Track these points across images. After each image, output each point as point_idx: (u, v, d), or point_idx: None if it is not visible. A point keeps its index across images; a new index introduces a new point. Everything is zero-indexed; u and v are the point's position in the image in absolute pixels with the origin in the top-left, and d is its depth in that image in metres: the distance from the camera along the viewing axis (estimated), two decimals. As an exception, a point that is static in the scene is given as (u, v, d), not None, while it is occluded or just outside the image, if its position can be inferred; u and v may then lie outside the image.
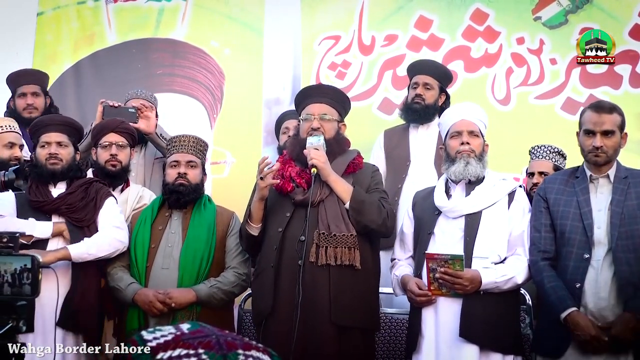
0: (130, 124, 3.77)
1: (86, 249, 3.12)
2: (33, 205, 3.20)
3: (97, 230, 3.22)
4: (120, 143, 3.57)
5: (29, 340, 2.97)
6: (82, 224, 3.20)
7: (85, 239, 3.16)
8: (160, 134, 3.93)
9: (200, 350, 0.98)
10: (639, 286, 2.76)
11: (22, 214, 3.21)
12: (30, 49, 5.36)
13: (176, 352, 0.98)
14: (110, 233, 3.20)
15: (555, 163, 3.77)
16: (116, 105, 3.88)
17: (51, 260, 3.04)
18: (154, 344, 1.01)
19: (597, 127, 2.90)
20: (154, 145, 4.00)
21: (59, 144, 3.26)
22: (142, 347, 1.00)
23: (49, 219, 3.18)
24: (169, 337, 1.01)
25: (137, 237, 3.24)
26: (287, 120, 4.12)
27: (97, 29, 5.36)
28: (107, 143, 3.57)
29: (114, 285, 3.19)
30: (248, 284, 3.35)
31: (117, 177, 3.57)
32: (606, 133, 2.90)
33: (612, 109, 2.96)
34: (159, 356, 0.98)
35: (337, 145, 3.10)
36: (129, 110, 3.86)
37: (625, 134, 2.97)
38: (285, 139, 4.01)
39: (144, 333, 1.03)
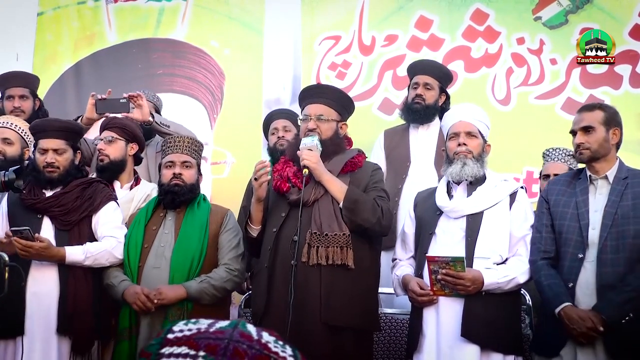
0: (125, 114, 3.76)
1: (82, 260, 3.12)
2: (25, 204, 3.19)
3: (88, 230, 3.21)
4: (109, 137, 3.57)
5: (24, 343, 2.98)
6: (71, 226, 3.19)
7: (86, 248, 3.14)
8: (161, 122, 3.89)
9: (202, 353, 0.97)
10: (616, 287, 2.77)
11: (13, 212, 3.21)
12: (30, 49, 5.36)
13: (178, 350, 0.98)
14: (111, 247, 3.18)
15: (570, 166, 3.76)
16: (105, 97, 3.82)
17: (47, 260, 3.06)
18: (172, 336, 1.01)
19: (576, 125, 2.98)
20: (159, 134, 3.96)
21: (56, 151, 3.24)
22: (159, 340, 1.01)
23: (40, 219, 3.17)
24: (188, 333, 1.01)
25: (130, 237, 3.24)
26: (274, 121, 4.07)
27: (98, 29, 5.37)
28: (97, 140, 3.61)
29: (107, 282, 3.19)
30: (241, 280, 3.33)
31: (107, 171, 3.53)
32: (585, 129, 2.94)
33: (594, 106, 3.04)
34: (163, 350, 0.99)
35: (333, 146, 3.09)
36: (121, 100, 3.79)
37: (617, 129, 2.96)
38: (275, 139, 3.97)
39: (180, 324, 1.03)
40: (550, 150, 3.85)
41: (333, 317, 2.88)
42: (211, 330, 1.01)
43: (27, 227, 3.02)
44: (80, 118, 3.85)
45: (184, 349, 0.98)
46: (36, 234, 3.05)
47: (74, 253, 3.11)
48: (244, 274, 3.32)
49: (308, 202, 2.95)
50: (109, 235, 3.21)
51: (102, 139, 3.59)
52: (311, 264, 2.88)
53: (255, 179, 2.94)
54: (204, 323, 1.03)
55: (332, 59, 5.08)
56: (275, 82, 5.13)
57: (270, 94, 5.12)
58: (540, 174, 3.88)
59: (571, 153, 3.78)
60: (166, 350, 0.99)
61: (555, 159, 3.80)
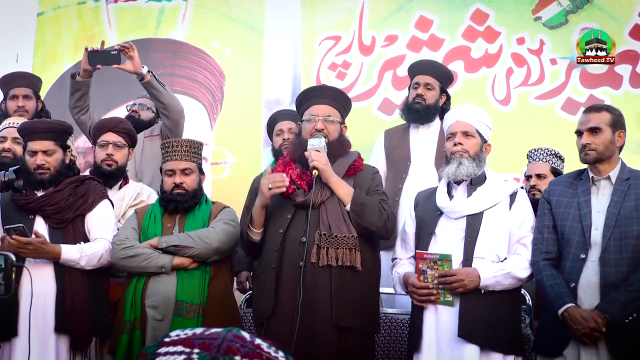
0: (116, 66, 3.74)
1: (77, 258, 3.10)
2: (17, 204, 3.18)
3: (82, 229, 3.20)
4: (118, 143, 3.55)
5: (19, 344, 2.98)
6: (65, 224, 3.18)
7: (81, 247, 3.12)
8: (158, 79, 3.83)
9: (195, 350, 1.02)
10: (619, 287, 2.77)
11: (6, 213, 3.19)
12: (30, 49, 5.38)
13: (173, 349, 1.03)
14: (104, 249, 3.17)
15: (553, 165, 3.76)
16: (97, 49, 3.79)
17: (43, 257, 3.04)
18: (169, 340, 1.06)
19: (583, 126, 2.97)
20: (152, 94, 3.88)
21: (45, 152, 3.21)
22: (156, 342, 1.07)
23: (33, 219, 3.15)
24: (184, 336, 1.06)
25: (148, 229, 3.22)
26: (279, 122, 4.05)
27: (98, 29, 5.38)
28: (104, 142, 3.56)
29: (125, 257, 3.12)
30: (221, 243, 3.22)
31: (112, 177, 3.54)
32: (592, 130, 2.93)
33: (601, 108, 3.04)
34: (159, 350, 1.04)
35: (339, 147, 3.09)
36: (112, 52, 3.77)
37: (622, 132, 2.96)
38: (280, 141, 3.95)
39: (177, 330, 1.09)
40: (533, 150, 3.86)
41: (343, 318, 2.88)
42: (206, 333, 1.06)
43: (21, 224, 3.00)
44: (78, 73, 3.84)
45: (179, 348, 1.03)
46: (34, 229, 3.04)
47: (70, 251, 3.09)
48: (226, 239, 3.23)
49: (315, 203, 2.95)
50: (102, 237, 3.19)
51: (110, 143, 3.55)
52: (321, 265, 2.89)
53: (270, 187, 2.93)
54: (200, 329, 1.09)
55: (332, 59, 5.08)
56: (276, 82, 5.14)
57: (270, 94, 5.12)
58: (524, 174, 3.89)
59: (554, 152, 3.80)
60: (162, 349, 1.04)
61: (537, 160, 3.80)
